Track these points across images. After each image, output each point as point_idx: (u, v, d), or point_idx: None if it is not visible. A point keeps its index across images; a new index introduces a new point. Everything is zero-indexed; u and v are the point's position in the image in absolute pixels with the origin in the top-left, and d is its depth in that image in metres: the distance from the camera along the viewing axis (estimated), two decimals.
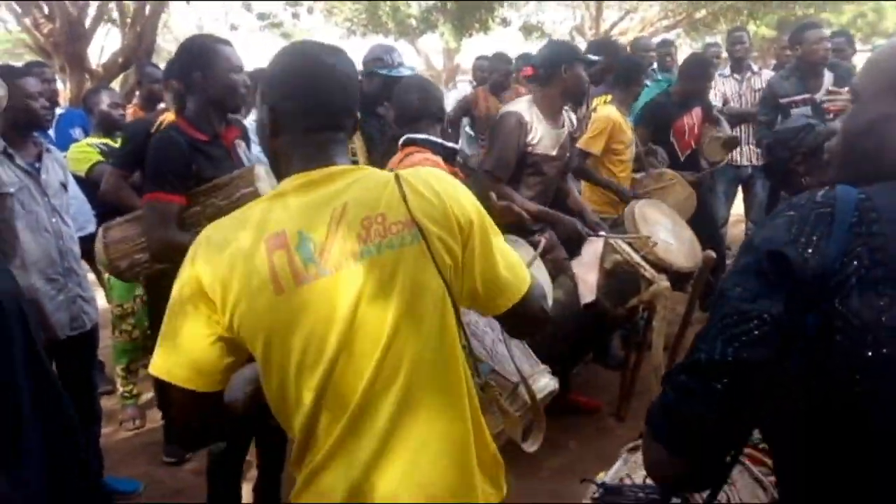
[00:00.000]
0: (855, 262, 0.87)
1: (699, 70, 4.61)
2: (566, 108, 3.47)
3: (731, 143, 4.77)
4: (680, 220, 3.86)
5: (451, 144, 2.81)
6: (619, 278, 3.24)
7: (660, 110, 4.62)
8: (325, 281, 1.16)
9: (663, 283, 3.15)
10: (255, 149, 4.63)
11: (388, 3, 14.64)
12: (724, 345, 0.91)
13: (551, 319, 1.49)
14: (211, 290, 1.16)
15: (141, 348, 3.77)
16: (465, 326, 1.36)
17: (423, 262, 1.20)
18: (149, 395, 3.99)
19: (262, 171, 2.35)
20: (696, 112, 4.69)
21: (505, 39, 17.82)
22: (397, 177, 1.24)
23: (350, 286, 1.16)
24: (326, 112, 1.28)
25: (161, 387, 1.21)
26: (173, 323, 1.19)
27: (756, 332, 0.90)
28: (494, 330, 1.90)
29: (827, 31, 4.57)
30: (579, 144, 3.95)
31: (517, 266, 1.35)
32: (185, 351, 1.17)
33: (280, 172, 1.31)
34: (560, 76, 3.22)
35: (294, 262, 1.16)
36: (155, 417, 3.79)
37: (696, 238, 3.76)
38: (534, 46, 18.02)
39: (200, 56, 2.36)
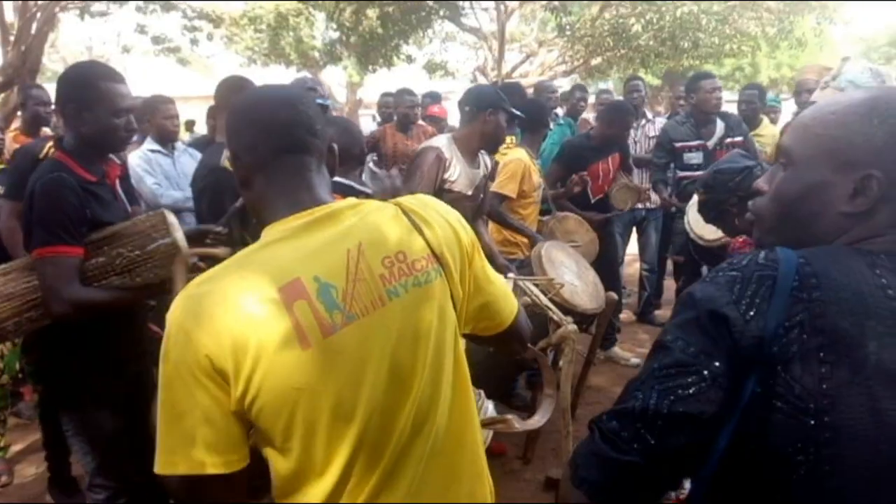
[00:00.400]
0: (796, 330, 0.87)
1: (619, 116, 4.75)
2: (483, 151, 3.48)
3: (637, 194, 4.92)
4: (584, 262, 3.93)
5: (365, 189, 2.73)
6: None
7: (577, 151, 4.73)
8: (354, 328, 1.08)
9: (570, 325, 3.17)
10: (150, 180, 4.43)
11: (292, 33, 14.48)
12: (660, 396, 0.90)
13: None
14: (219, 362, 1.00)
15: (10, 395, 3.46)
16: None
17: (445, 296, 1.18)
18: (18, 446, 3.64)
19: (174, 219, 2.17)
20: (614, 158, 4.82)
21: (409, 76, 18.03)
22: (402, 208, 1.21)
23: (382, 331, 1.10)
24: (288, 133, 1.17)
25: (185, 487, 1.03)
26: (175, 411, 1.02)
27: (694, 388, 0.89)
28: None
29: (719, 82, 4.83)
30: (494, 188, 3.99)
31: (506, 287, 1.37)
32: (208, 435, 1.01)
33: (263, 220, 1.18)
34: (483, 118, 3.25)
35: (318, 312, 1.05)
36: (25, 472, 3.45)
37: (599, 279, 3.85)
38: (438, 84, 18.32)
39: (80, 90, 2.12)
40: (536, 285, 3.38)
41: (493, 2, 10.97)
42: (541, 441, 3.69)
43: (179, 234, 2.17)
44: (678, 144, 4.62)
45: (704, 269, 4.85)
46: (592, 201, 4.80)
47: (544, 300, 3.25)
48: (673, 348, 0.92)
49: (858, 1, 24.29)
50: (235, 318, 1.01)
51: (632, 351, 5.08)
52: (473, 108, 3.28)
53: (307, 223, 1.12)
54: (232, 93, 3.00)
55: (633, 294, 6.25)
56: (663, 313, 6.00)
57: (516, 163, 4.10)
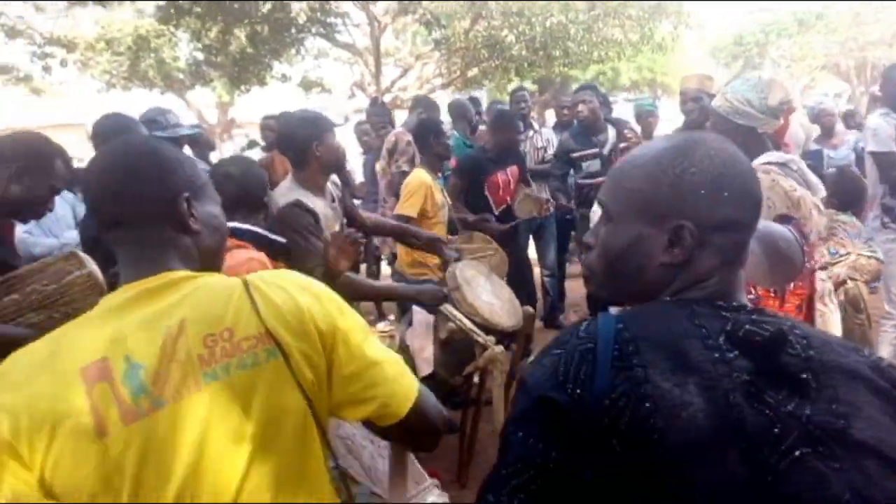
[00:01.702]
0: (622, 401, 0.86)
1: (505, 121, 4.88)
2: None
3: (539, 203, 5.01)
4: (497, 279, 3.94)
5: (277, 238, 2.54)
6: (453, 346, 3.20)
7: (474, 164, 4.76)
8: (162, 414, 0.98)
9: (497, 347, 3.16)
10: (19, 228, 4.04)
11: (153, 54, 13.77)
12: (509, 498, 0.88)
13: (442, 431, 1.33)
14: (15, 439, 0.92)
15: None
16: (342, 441, 1.20)
17: (281, 381, 1.05)
18: None
19: (86, 255, 2.06)
20: (513, 170, 4.88)
21: (283, 93, 17.60)
22: (245, 284, 1.09)
23: (192, 419, 0.99)
24: (109, 208, 1.09)
25: None
26: None
27: (539, 482, 0.87)
28: (374, 443, 1.72)
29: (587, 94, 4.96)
30: (397, 210, 3.92)
31: (399, 372, 1.19)
32: None
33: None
34: (313, 155, 2.95)
35: (120, 396, 0.96)
36: None
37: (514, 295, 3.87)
38: (314, 101, 18.02)
39: (29, 158, 2.12)
40: (457, 306, 3.35)
41: (365, 18, 10.90)
42: (474, 463, 3.66)
43: (94, 266, 2.05)
44: (575, 154, 4.75)
45: None
46: (496, 213, 4.84)
47: (468, 324, 3.22)
48: (514, 442, 0.91)
49: (708, 1, 26.18)
50: (26, 400, 0.94)
51: None
52: (298, 150, 2.97)
53: (136, 294, 1.04)
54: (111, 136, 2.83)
55: (537, 300, 6.36)
56: (566, 316, 6.15)
57: (416, 182, 4.06)
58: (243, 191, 2.38)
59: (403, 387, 1.17)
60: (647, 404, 0.84)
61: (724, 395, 0.84)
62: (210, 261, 1.18)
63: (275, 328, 1.05)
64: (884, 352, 3.42)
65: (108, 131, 2.88)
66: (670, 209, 0.96)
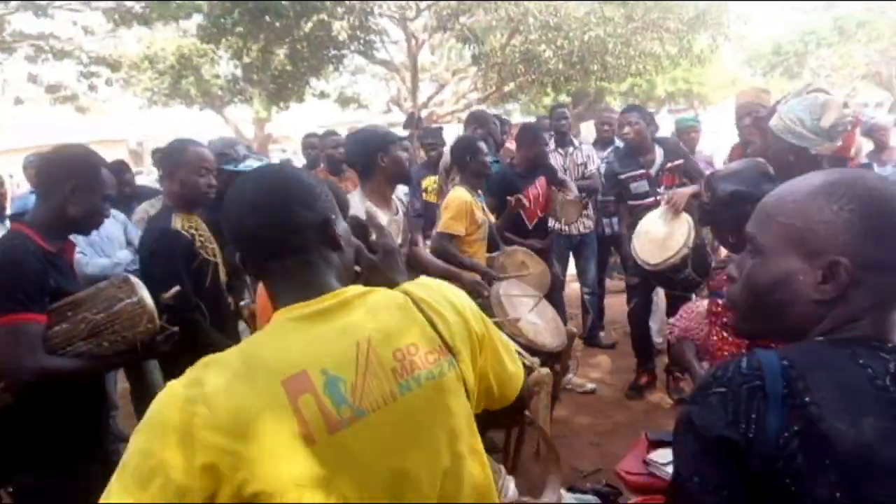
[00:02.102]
0: (797, 440, 0.85)
1: (530, 135, 4.90)
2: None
3: (580, 205, 5.00)
4: (541, 297, 3.93)
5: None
6: None
7: (504, 182, 4.75)
8: (364, 423, 1.03)
9: (543, 370, 3.14)
10: (123, 254, 4.15)
11: (194, 72, 14.06)
12: None
13: None
14: (215, 462, 0.94)
15: None
16: None
17: (457, 387, 1.15)
18: None
19: (138, 280, 2.11)
20: (541, 181, 4.88)
21: (320, 108, 17.83)
22: (411, 297, 1.18)
23: (393, 427, 1.06)
24: (266, 242, 1.13)
25: None
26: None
27: None
28: None
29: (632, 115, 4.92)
30: (440, 228, 3.93)
31: (514, 354, 1.35)
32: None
33: (275, 307, 1.15)
34: (379, 165, 3.09)
35: (324, 407, 1.01)
36: None
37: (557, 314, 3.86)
38: (351, 116, 18.21)
39: (82, 170, 2.19)
40: (501, 328, 3.35)
41: (403, 35, 11.00)
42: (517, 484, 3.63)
43: (145, 293, 2.11)
44: (623, 176, 4.72)
45: (658, 292, 4.99)
46: (530, 227, 4.84)
47: (514, 346, 3.21)
48: (692, 490, 0.90)
49: (754, 0, 25.80)
50: (230, 416, 0.96)
51: (585, 376, 5.12)
52: (364, 161, 3.12)
53: (315, 312, 1.09)
54: (173, 158, 2.91)
55: (575, 317, 6.32)
56: (607, 334, 6.10)
57: (458, 200, 4.05)
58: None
59: (517, 378, 1.32)
60: (824, 444, 0.84)
61: None
62: (351, 272, 1.25)
63: (452, 341, 1.15)
64: None
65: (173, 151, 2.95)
66: (825, 245, 0.95)
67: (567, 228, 5.50)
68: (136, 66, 13.68)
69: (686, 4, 10.00)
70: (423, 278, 1.29)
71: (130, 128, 25.64)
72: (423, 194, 5.63)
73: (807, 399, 0.86)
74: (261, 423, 0.96)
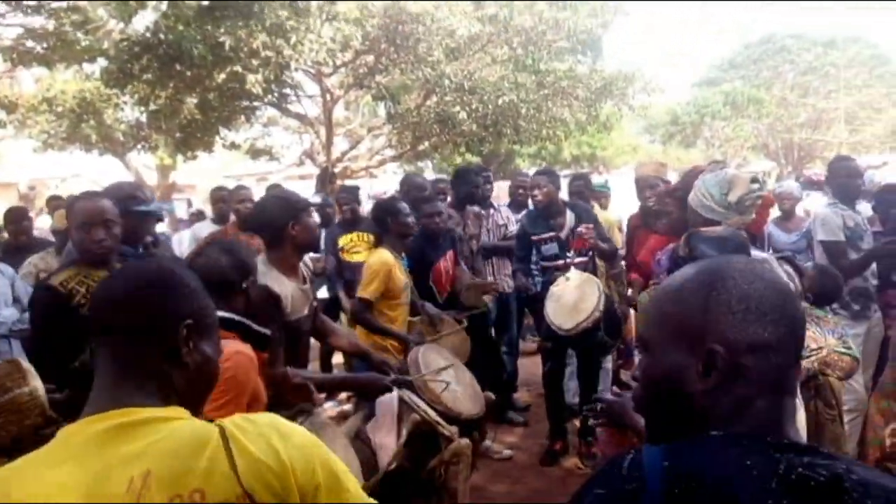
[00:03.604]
0: None
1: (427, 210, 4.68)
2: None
3: (485, 287, 4.92)
4: (459, 363, 3.86)
5: (261, 330, 2.41)
6: (418, 439, 3.08)
7: (420, 252, 4.58)
8: None
9: (463, 440, 3.06)
10: (9, 311, 3.79)
11: (94, 117, 13.51)
12: None
13: None
14: None
15: None
16: None
17: None
18: None
19: (29, 366, 1.89)
20: (450, 255, 4.81)
21: (227, 158, 17.43)
22: (223, 433, 0.98)
23: None
24: (95, 315, 1.05)
25: None
26: None
27: None
28: None
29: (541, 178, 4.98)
30: (357, 293, 3.83)
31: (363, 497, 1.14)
32: None
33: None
34: (288, 235, 2.94)
35: None
36: None
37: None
38: (262, 167, 17.87)
39: None
40: (420, 394, 3.24)
41: (318, 90, 10.97)
42: None
43: (38, 382, 1.90)
44: (534, 238, 4.77)
45: (570, 357, 5.01)
46: (441, 302, 4.64)
47: (433, 415, 3.11)
48: None
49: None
50: None
51: (501, 441, 5.05)
52: (273, 230, 2.96)
53: (102, 431, 0.95)
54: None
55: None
56: (520, 395, 6.07)
57: (377, 265, 3.98)
58: (220, 276, 2.25)
59: None
60: None
61: None
62: (190, 400, 1.08)
63: (253, 489, 0.96)
64: (850, 445, 3.43)
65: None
66: (701, 332, 0.95)
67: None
68: (33, 107, 13.03)
69: (594, 75, 10.47)
70: (259, 415, 1.10)
71: (21, 171, 24.33)
72: (342, 253, 5.50)
73: None
74: None
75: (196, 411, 1.10)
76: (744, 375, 0.94)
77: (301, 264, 3.18)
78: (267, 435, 1.01)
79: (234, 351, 1.93)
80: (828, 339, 2.77)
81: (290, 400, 2.75)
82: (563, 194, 5.82)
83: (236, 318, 2.20)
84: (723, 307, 0.95)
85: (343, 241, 5.54)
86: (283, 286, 2.94)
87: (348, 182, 10.82)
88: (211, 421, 1.03)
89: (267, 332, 2.37)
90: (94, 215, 2.64)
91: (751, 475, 0.85)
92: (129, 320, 1.03)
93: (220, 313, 2.17)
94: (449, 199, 5.62)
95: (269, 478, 0.97)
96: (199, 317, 1.08)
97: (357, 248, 5.47)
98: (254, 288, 2.43)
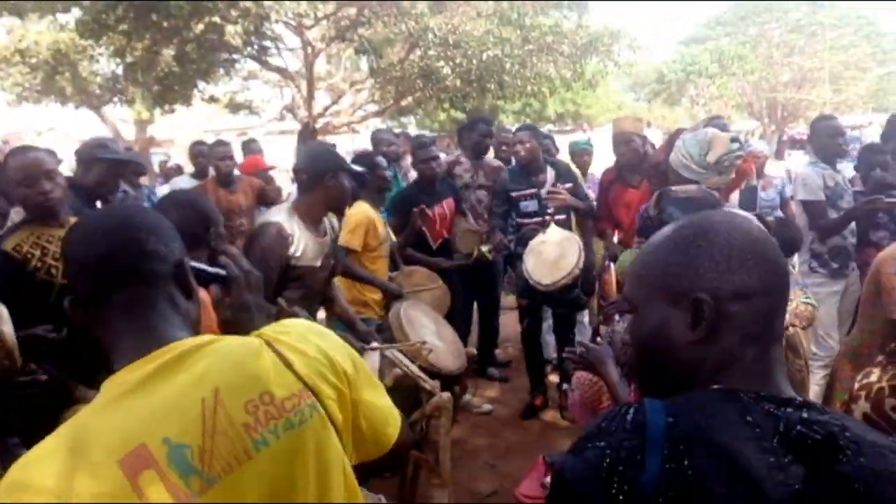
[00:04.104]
0: None
1: (422, 155, 4.83)
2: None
3: (479, 236, 4.95)
4: (440, 318, 3.87)
5: (214, 270, 2.43)
6: (399, 393, 3.10)
7: (407, 200, 4.69)
8: (217, 491, 0.92)
9: (444, 394, 3.08)
10: None
11: (70, 69, 13.19)
12: None
13: None
14: None
15: None
16: None
17: (325, 432, 1.05)
18: None
19: (5, 310, 1.87)
20: (449, 203, 4.85)
21: (206, 112, 17.12)
22: (267, 342, 1.07)
23: (252, 488, 0.95)
24: (108, 268, 1.01)
25: None
26: None
27: None
28: None
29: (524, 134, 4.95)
30: (340, 242, 3.82)
31: (389, 406, 1.26)
32: None
33: (111, 365, 1.01)
34: (324, 185, 3.01)
35: (171, 482, 0.89)
36: None
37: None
38: (242, 121, 17.59)
39: None
40: (403, 353, 3.26)
41: (299, 42, 10.74)
42: None
43: (6, 326, 1.90)
44: (514, 194, 4.75)
45: (547, 311, 5.05)
46: (434, 247, 4.79)
47: (415, 370, 3.14)
48: None
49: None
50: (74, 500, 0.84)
51: (482, 396, 5.10)
52: (312, 174, 3.03)
53: (153, 371, 0.96)
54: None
55: (470, 333, 6.31)
56: (501, 351, 6.13)
57: (359, 215, 4.00)
58: (183, 229, 2.27)
59: (393, 422, 1.23)
60: None
61: None
62: (196, 327, 1.13)
63: (312, 381, 1.05)
64: (811, 393, 3.52)
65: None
66: (685, 285, 0.97)
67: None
68: (5, 59, 12.68)
69: (580, 30, 10.34)
70: (286, 321, 1.18)
71: None
72: None
73: (686, 464, 0.84)
74: None
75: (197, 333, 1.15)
76: (731, 324, 0.95)
77: (326, 219, 3.20)
78: (306, 335, 1.11)
79: None
80: (795, 291, 2.81)
81: None
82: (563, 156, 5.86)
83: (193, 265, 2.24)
84: (705, 258, 0.96)
85: None
86: (300, 232, 2.98)
87: (329, 139, 10.71)
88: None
89: (222, 271, 2.39)
90: (33, 167, 2.55)
91: (753, 433, 0.86)
92: (151, 267, 1.04)
93: None
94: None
95: (323, 370, 1.07)
96: (184, 254, 1.14)
97: None
98: (217, 239, 2.44)
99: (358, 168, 3.32)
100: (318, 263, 3.12)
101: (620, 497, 0.84)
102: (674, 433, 0.86)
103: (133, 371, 0.97)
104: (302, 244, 3.00)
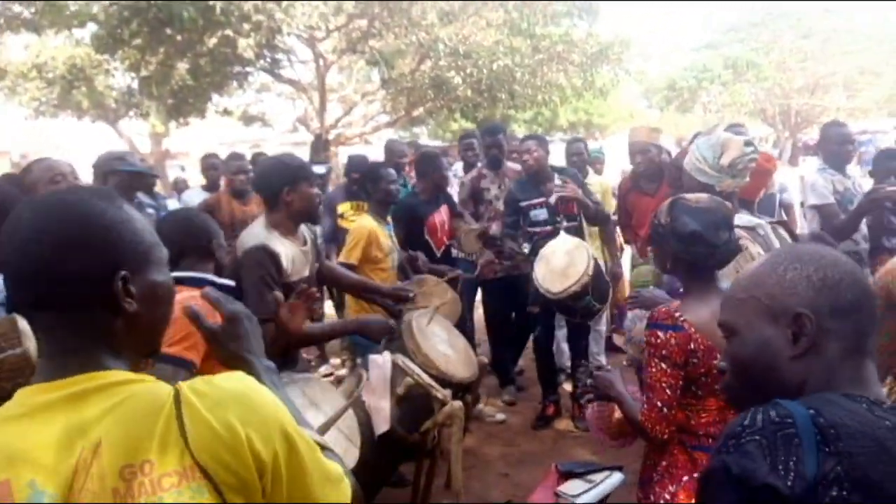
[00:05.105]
0: (835, 487, 0.87)
1: (429, 163, 4.88)
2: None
3: (484, 235, 4.96)
4: (452, 327, 3.87)
5: (223, 281, 2.45)
6: (411, 402, 3.11)
7: (409, 210, 4.73)
8: None
9: (456, 403, 3.08)
10: None
11: (86, 83, 13.36)
12: None
13: None
14: None
15: None
16: None
17: None
18: None
19: (28, 326, 1.88)
20: (444, 208, 4.88)
21: (220, 124, 17.28)
22: (177, 397, 0.91)
23: None
24: (21, 285, 0.94)
25: None
26: None
27: None
28: None
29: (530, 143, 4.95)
30: (339, 259, 3.87)
31: (334, 480, 1.04)
32: None
33: None
34: (283, 201, 2.91)
35: None
36: None
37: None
38: (256, 134, 17.75)
39: None
40: (413, 359, 3.26)
41: (311, 55, 10.83)
42: None
43: (31, 344, 1.84)
44: (524, 203, 4.75)
45: (561, 319, 5.02)
46: (438, 255, 4.79)
47: (426, 378, 3.14)
48: None
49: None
50: None
51: (494, 405, 5.10)
52: (268, 193, 2.95)
53: (55, 400, 0.90)
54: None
55: (482, 343, 6.29)
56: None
57: (358, 230, 4.06)
58: (185, 241, 2.39)
59: (337, 493, 1.04)
60: (860, 491, 0.87)
61: None
62: (150, 336, 1.04)
63: (204, 461, 0.89)
64: None
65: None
66: (785, 304, 1.04)
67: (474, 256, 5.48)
68: (23, 74, 12.87)
69: (590, 39, 10.36)
70: (228, 380, 0.98)
71: (13, 140, 24.14)
72: (340, 219, 5.51)
73: (840, 446, 0.88)
74: None
75: (154, 350, 1.07)
76: (830, 338, 1.02)
77: (303, 226, 3.16)
78: (226, 403, 0.92)
79: (190, 295, 1.95)
80: None
81: (293, 350, 2.91)
82: (562, 160, 5.85)
83: (194, 274, 2.29)
84: (802, 279, 1.04)
85: (343, 207, 5.55)
86: (284, 247, 2.94)
87: (342, 150, 10.78)
88: (190, 369, 1.00)
89: (231, 283, 2.43)
90: (59, 167, 2.66)
91: (884, 424, 0.92)
92: (64, 292, 0.93)
93: (181, 273, 2.26)
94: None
95: (220, 450, 0.89)
96: (133, 255, 0.99)
97: (355, 216, 5.47)
98: (220, 250, 2.47)
99: (318, 169, 3.31)
100: (307, 273, 3.11)
101: (789, 481, 0.87)
102: (819, 421, 0.91)
103: (38, 394, 0.91)
104: (288, 259, 2.95)
